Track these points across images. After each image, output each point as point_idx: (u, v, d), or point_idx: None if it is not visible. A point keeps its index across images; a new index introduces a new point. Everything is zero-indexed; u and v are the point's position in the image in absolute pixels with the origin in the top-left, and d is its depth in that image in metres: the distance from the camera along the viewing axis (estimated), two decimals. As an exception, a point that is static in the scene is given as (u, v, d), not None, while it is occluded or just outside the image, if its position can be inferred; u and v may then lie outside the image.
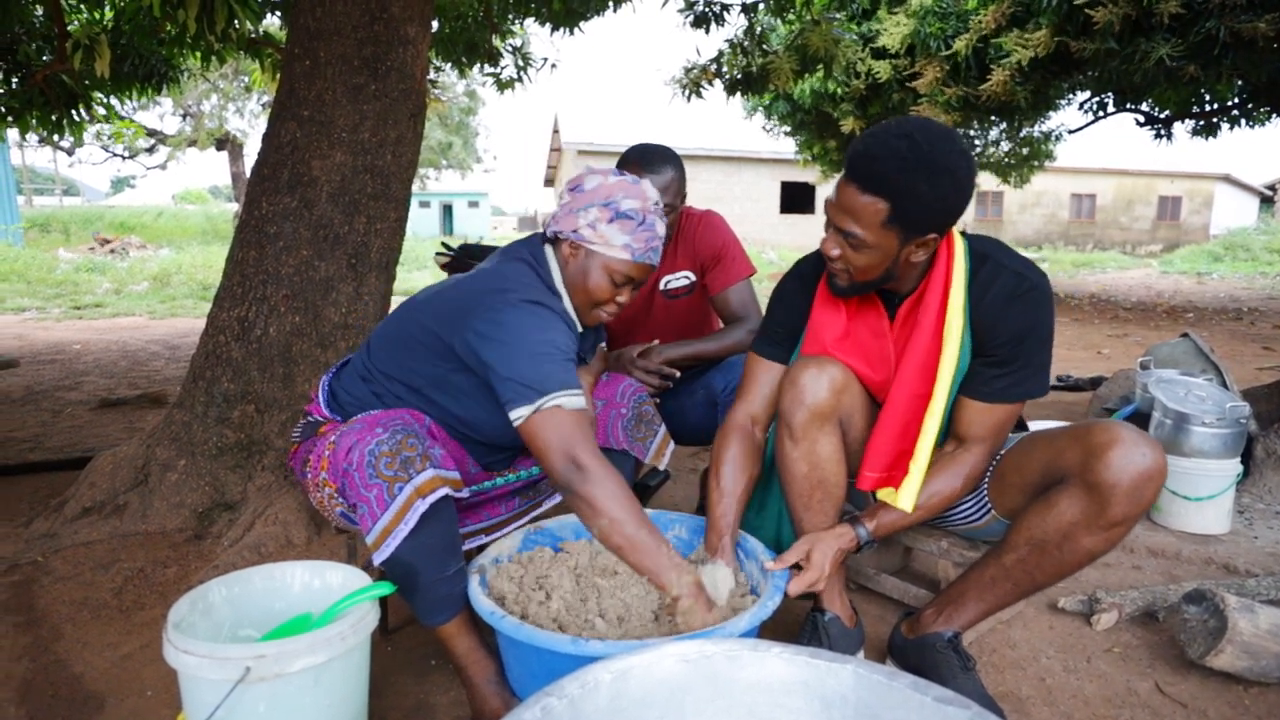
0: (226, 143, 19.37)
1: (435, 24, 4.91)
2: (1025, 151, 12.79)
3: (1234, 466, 2.18)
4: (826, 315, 1.50)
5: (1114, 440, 1.26)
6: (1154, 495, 1.26)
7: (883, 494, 1.45)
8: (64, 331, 6.67)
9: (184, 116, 19.26)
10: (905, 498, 1.39)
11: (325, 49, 2.36)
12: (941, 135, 1.25)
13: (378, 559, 1.24)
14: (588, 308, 1.47)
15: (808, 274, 1.57)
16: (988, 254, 1.40)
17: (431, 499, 1.24)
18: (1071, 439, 1.32)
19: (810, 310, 1.53)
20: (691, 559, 1.53)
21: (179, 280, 10.36)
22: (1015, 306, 1.35)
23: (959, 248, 1.40)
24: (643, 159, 1.95)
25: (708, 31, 5.08)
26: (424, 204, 33.27)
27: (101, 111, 4.97)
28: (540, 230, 1.57)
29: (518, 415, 1.26)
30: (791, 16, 5.60)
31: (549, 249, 1.50)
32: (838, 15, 6.08)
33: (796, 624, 1.63)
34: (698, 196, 21.72)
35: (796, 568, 1.41)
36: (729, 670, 1.04)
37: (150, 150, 20.20)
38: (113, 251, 13.97)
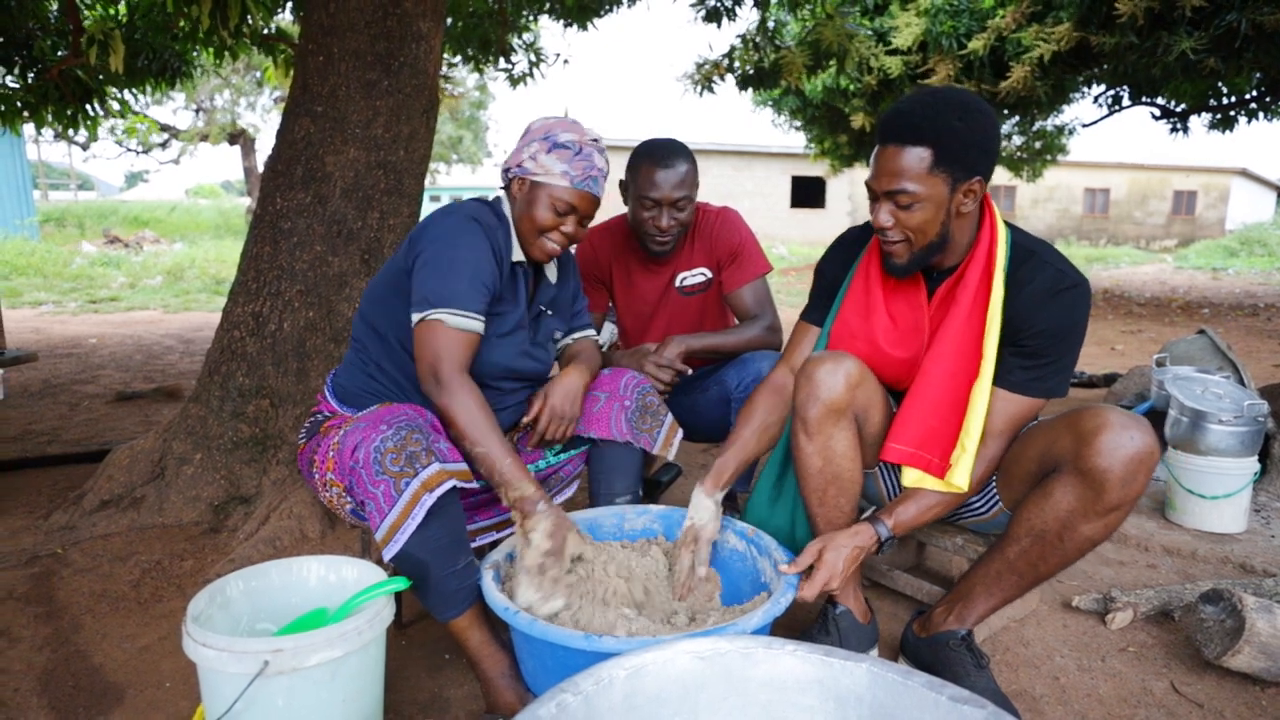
0: (239, 137, 19.44)
1: (449, 20, 4.91)
2: (1038, 145, 12.66)
3: (1251, 465, 2.16)
4: (863, 286, 1.52)
5: (1102, 425, 1.26)
6: (1147, 477, 1.26)
7: (913, 480, 1.43)
8: (80, 325, 6.73)
9: (196, 111, 19.34)
10: (960, 476, 1.37)
11: (338, 44, 2.37)
12: (959, 89, 1.35)
13: (387, 555, 1.25)
14: (534, 236, 1.52)
15: (850, 241, 1.63)
16: (1034, 250, 1.41)
17: (438, 493, 1.25)
18: (1064, 427, 1.33)
19: (850, 272, 1.56)
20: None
21: (192, 274, 10.43)
22: (1054, 302, 1.36)
23: (1002, 233, 1.41)
24: (654, 154, 1.96)
25: (719, 26, 5.07)
26: (434, 198, 33.32)
27: (116, 106, 5.00)
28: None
29: (412, 320, 1.40)
30: (804, 11, 5.57)
31: (503, 196, 1.60)
32: (851, 10, 6.04)
33: (811, 619, 1.63)
34: (708, 191, 21.55)
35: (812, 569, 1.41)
36: (743, 668, 1.04)
37: (163, 145, 20.31)
38: (126, 246, 14.06)
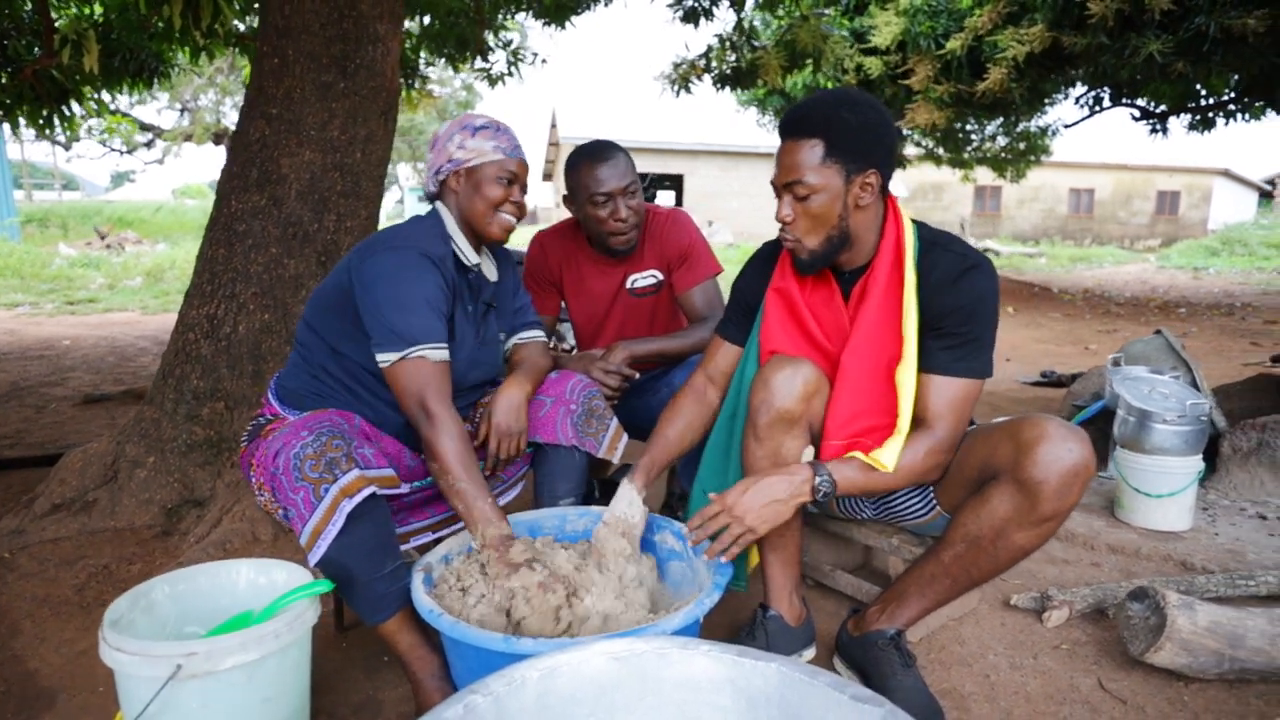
0: (223, 137, 19.35)
1: (425, 19, 4.90)
2: (1022, 146, 12.74)
3: (1195, 463, 2.19)
4: (783, 297, 1.54)
5: (1041, 436, 1.28)
6: (1082, 490, 1.28)
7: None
8: (55, 327, 6.68)
9: (181, 111, 19.25)
10: (888, 456, 1.35)
11: (293, 47, 2.37)
12: (854, 88, 1.43)
13: (311, 560, 1.26)
14: (490, 214, 1.56)
15: (765, 255, 1.64)
16: (937, 240, 1.46)
17: (357, 499, 1.26)
18: (1004, 435, 1.34)
19: (766, 289, 1.57)
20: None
21: (172, 275, 10.35)
22: (962, 282, 1.39)
23: (908, 225, 1.45)
24: (592, 153, 2.01)
25: (697, 26, 5.09)
26: (422, 198, 33.22)
27: (93, 106, 4.97)
28: (429, 196, 1.66)
29: (384, 359, 1.41)
30: (780, 12, 5.61)
31: (439, 204, 1.62)
32: (827, 11, 6.08)
33: (744, 623, 1.64)
34: (695, 192, 21.65)
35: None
36: (658, 668, 1.05)
37: (148, 145, 20.20)
38: (109, 246, 13.95)
